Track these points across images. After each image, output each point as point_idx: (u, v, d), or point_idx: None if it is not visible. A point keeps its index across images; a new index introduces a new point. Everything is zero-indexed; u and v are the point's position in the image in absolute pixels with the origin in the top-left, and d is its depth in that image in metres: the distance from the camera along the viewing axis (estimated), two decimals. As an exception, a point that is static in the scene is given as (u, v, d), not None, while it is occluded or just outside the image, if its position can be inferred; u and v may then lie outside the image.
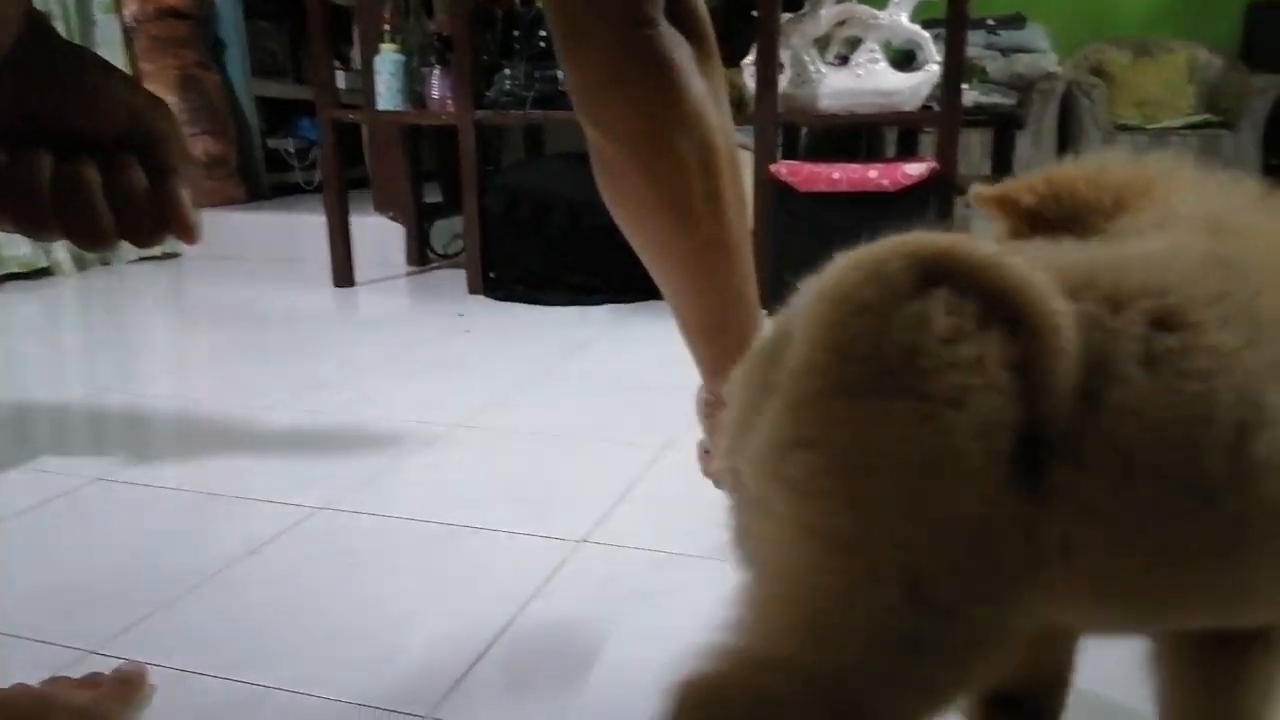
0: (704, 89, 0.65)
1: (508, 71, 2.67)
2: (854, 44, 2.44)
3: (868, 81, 2.34)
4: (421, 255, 3.39)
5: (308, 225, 3.31)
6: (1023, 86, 4.72)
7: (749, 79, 2.38)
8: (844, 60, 2.45)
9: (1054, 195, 0.68)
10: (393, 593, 1.07)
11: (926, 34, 2.34)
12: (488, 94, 2.69)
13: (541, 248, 2.77)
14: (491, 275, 2.88)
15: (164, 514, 1.30)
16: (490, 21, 2.82)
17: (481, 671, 0.92)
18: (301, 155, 4.30)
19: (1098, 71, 5.02)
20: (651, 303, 2.73)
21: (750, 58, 2.35)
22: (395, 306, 2.86)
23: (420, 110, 2.82)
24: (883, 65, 2.32)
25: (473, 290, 2.88)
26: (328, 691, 0.88)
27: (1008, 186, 0.72)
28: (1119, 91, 4.94)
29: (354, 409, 1.77)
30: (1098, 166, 0.68)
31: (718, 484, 0.91)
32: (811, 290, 0.46)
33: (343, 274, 2.98)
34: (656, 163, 0.67)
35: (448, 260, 3.44)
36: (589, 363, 2.12)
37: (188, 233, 0.47)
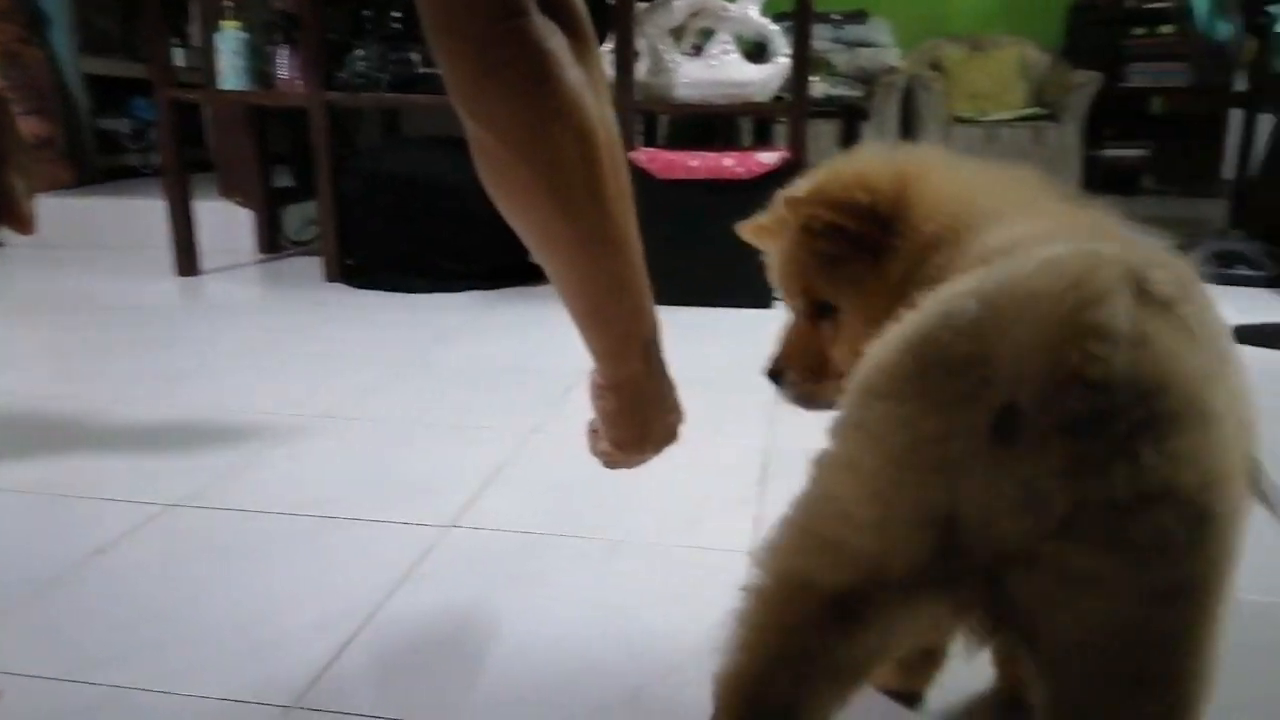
0: (581, 78, 0.65)
1: (360, 52, 2.60)
2: (708, 35, 2.50)
3: (721, 72, 2.41)
4: (273, 242, 3.27)
5: (145, 210, 3.14)
6: (867, 79, 4.94)
7: (609, 66, 2.41)
8: (698, 51, 2.52)
9: (823, 203, 0.76)
10: (255, 587, 1.05)
11: (776, 27, 2.42)
12: (339, 75, 2.62)
13: (404, 234, 2.73)
14: (350, 262, 2.81)
15: (3, 517, 1.23)
16: (338, 0, 2.74)
17: (348, 659, 0.92)
18: (137, 137, 4.06)
19: (936, 66, 5.30)
20: (516, 289, 2.73)
21: (607, 45, 2.38)
22: (248, 295, 2.75)
23: (267, 91, 2.72)
24: (735, 57, 2.39)
25: (330, 278, 2.80)
26: (189, 688, 0.86)
27: (763, 221, 0.85)
28: (955, 85, 5.23)
29: (211, 402, 1.71)
30: (856, 170, 0.77)
31: (605, 464, 0.92)
32: None
33: (186, 262, 2.85)
34: (534, 153, 0.67)
35: (301, 247, 3.34)
36: (454, 350, 2.11)
37: (23, 224, 0.46)
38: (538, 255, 0.78)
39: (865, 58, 4.89)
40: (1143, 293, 0.48)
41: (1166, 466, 0.46)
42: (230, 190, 3.27)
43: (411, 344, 2.13)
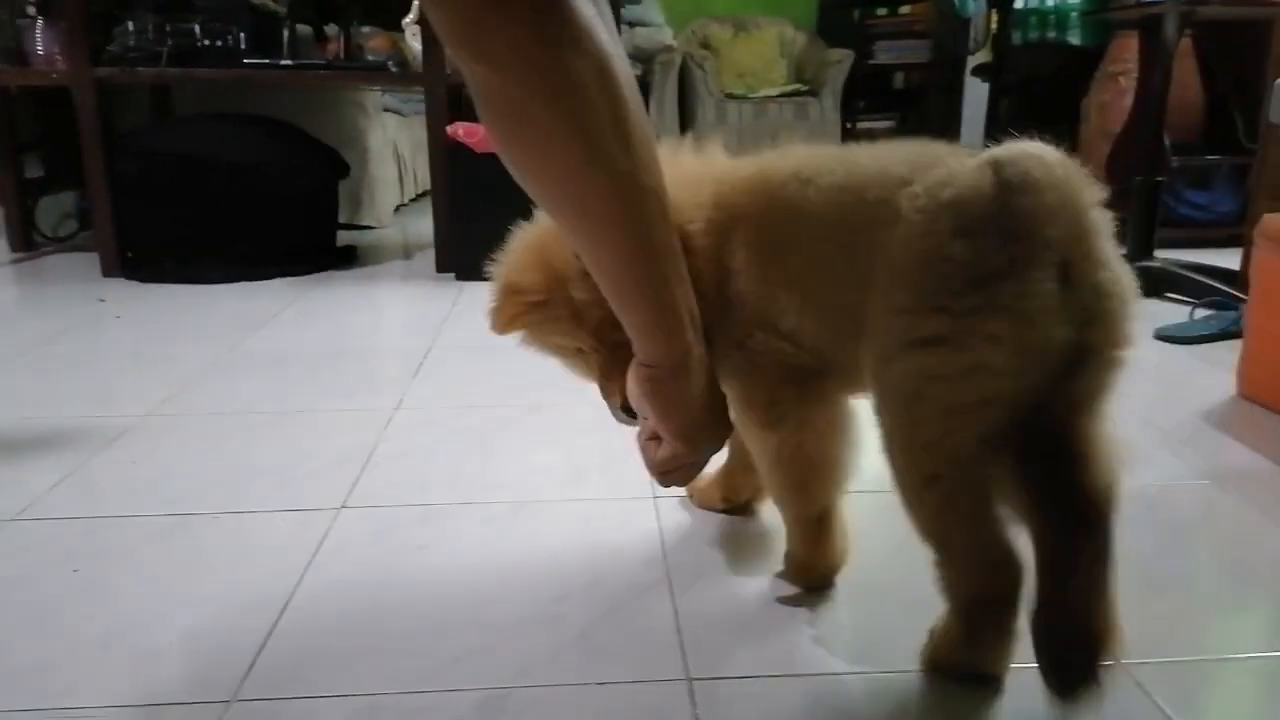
0: (592, 11, 0.60)
1: (130, 24, 2.37)
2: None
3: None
4: (27, 240, 2.92)
5: None
6: (644, 58, 5.07)
7: (413, 39, 2.34)
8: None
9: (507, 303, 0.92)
10: (141, 591, 0.97)
11: None
12: (109, 49, 2.38)
13: (189, 220, 2.52)
14: (130, 255, 2.57)
15: None
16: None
17: (276, 646, 0.87)
18: None
19: (705, 45, 5.52)
20: (326, 274, 2.60)
21: (412, 17, 2.31)
22: (4, 298, 2.45)
23: (21, 69, 2.42)
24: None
25: (108, 273, 2.55)
26: (106, 699, 0.79)
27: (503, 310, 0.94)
28: (724, 64, 5.48)
29: (7, 414, 1.52)
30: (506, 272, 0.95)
31: (663, 474, 0.91)
32: None
33: (-74, 266, 2.50)
34: (554, 86, 0.59)
35: (60, 243, 3.01)
36: (274, 338, 1.98)
37: None
38: (562, 223, 0.70)
39: (642, 37, 5.01)
40: None
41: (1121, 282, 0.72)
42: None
43: (222, 336, 1.99)
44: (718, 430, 0.88)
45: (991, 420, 0.71)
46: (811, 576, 0.96)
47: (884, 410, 0.77)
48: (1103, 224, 0.72)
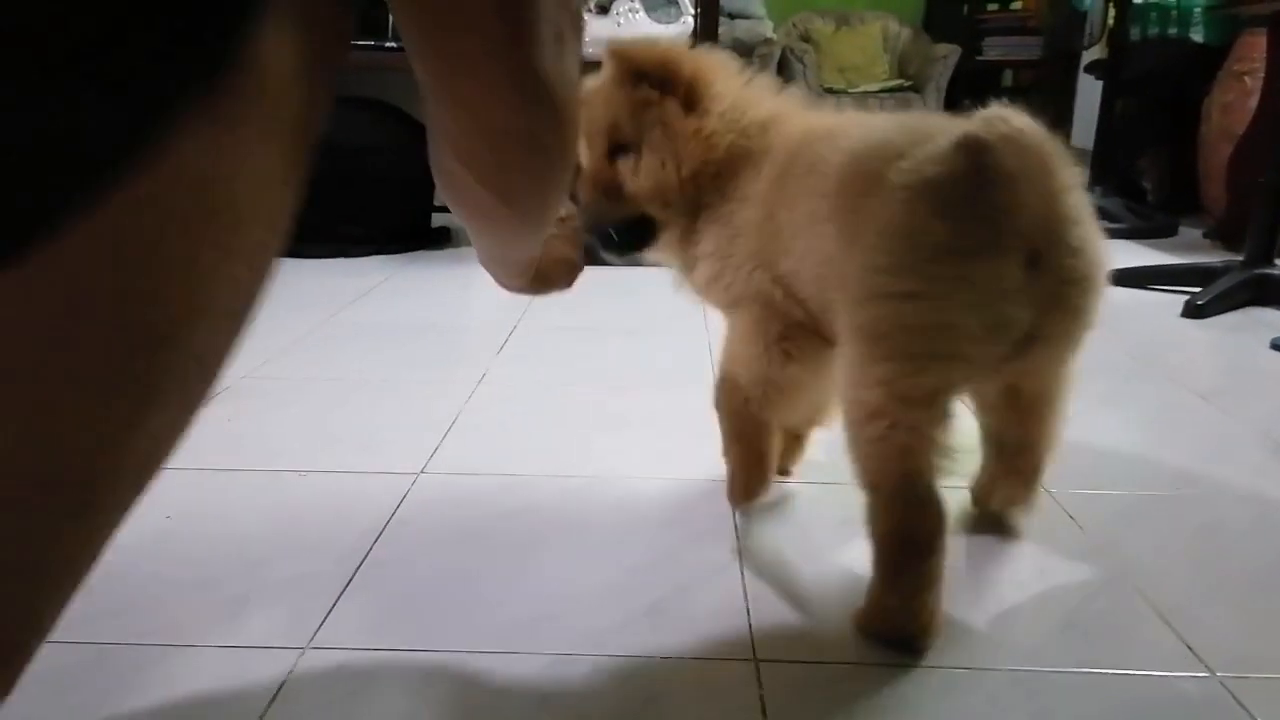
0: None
1: None
2: (614, -7, 2.50)
3: (627, 30, 2.41)
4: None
5: None
6: (743, 51, 5.03)
7: (513, 23, 2.37)
8: (604, 10, 2.51)
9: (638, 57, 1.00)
10: (236, 542, 1.00)
11: (681, -10, 2.45)
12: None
13: (299, 199, 2.61)
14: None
15: None
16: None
17: (350, 600, 0.89)
18: None
19: (806, 39, 5.45)
20: (425, 253, 2.67)
21: (514, 1, 2.34)
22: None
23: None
24: (642, 15, 2.40)
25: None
26: (191, 639, 0.82)
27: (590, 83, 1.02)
28: (825, 58, 5.40)
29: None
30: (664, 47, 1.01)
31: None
32: None
33: None
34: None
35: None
36: (371, 312, 2.04)
37: None
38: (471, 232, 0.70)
39: (742, 29, 4.98)
40: None
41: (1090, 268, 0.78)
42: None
43: (319, 308, 2.05)
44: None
45: (947, 375, 0.78)
46: (745, 501, 1.05)
47: (848, 346, 0.83)
48: (1076, 209, 0.77)
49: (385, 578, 0.93)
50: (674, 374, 1.55)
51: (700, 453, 1.20)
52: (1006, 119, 0.73)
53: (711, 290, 1.02)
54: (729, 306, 1.02)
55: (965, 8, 5.53)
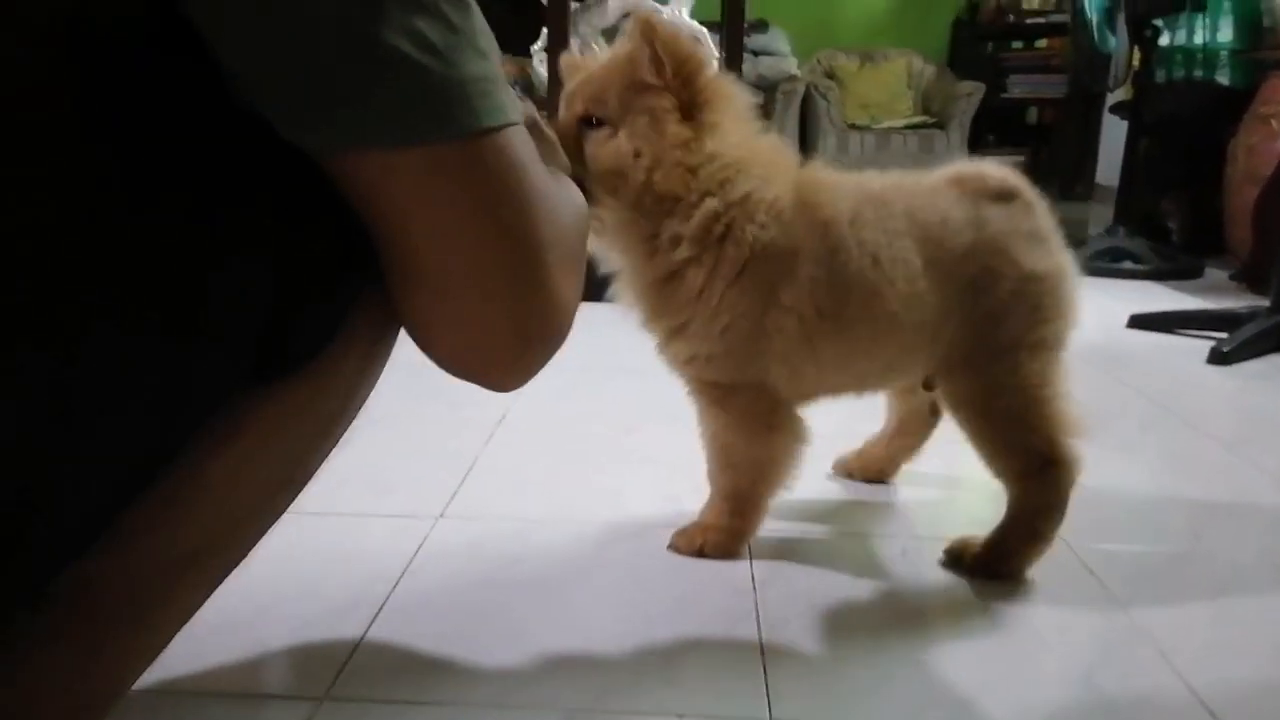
0: None
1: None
2: (638, 35, 2.53)
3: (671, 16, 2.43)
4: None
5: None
6: (767, 87, 5.07)
7: (539, 65, 2.41)
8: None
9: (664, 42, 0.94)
10: (249, 585, 1.01)
11: (705, 31, 2.47)
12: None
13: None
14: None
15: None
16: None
17: (368, 648, 0.90)
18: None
19: (830, 75, 5.49)
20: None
21: (540, 44, 2.38)
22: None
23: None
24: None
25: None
26: (208, 686, 0.83)
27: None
28: (849, 94, 5.43)
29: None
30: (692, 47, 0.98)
31: None
32: None
33: None
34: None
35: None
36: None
37: None
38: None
39: (766, 66, 5.02)
40: None
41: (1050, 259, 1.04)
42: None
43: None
44: None
45: None
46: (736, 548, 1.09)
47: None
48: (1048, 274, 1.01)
49: (403, 626, 0.94)
50: (684, 410, 1.56)
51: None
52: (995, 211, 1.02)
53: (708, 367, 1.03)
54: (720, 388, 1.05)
55: (990, 45, 5.56)
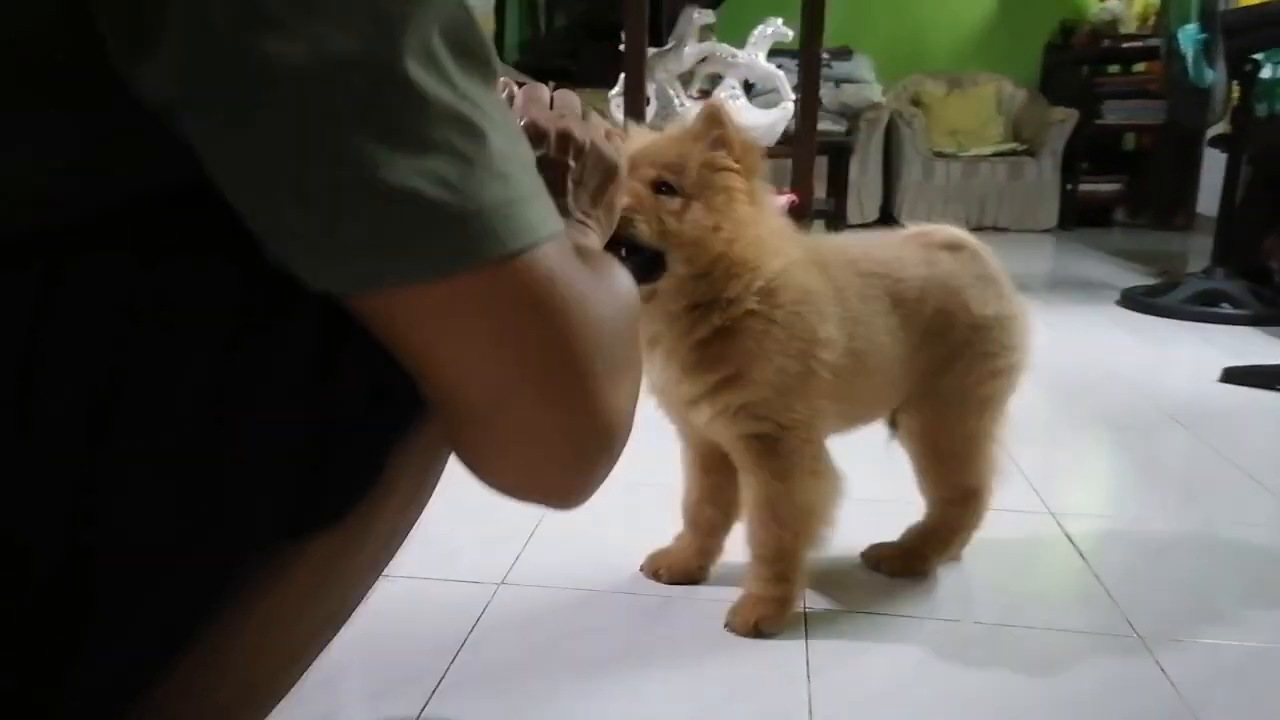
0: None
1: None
2: (715, 80, 2.55)
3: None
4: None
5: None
6: (851, 115, 5.03)
7: (616, 110, 2.44)
8: (705, 95, 2.56)
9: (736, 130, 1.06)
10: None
11: (782, 74, 2.47)
12: None
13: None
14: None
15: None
16: None
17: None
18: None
19: (916, 102, 5.41)
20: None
21: (617, 90, 2.41)
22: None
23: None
24: (743, 101, 2.43)
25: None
26: (272, 760, 0.86)
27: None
28: (935, 121, 5.34)
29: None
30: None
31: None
32: None
33: None
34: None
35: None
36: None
37: None
38: None
39: (849, 94, 4.98)
40: None
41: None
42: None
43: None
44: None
45: None
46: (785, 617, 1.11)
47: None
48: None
49: (461, 700, 0.96)
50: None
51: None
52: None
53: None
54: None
55: (1085, 70, 5.40)
